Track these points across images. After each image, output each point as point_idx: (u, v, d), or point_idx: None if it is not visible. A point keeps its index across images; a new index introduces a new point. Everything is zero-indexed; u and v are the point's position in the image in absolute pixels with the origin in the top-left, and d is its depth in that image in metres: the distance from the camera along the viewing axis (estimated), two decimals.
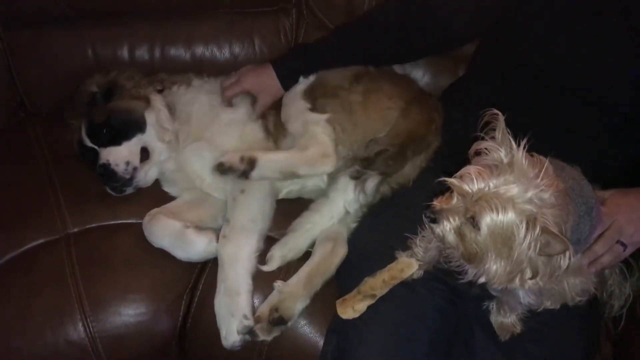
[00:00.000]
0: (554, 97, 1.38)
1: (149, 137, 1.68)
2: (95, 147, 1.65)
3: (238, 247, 1.49)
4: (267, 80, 1.69)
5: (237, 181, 1.54)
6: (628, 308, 1.45)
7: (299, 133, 1.60)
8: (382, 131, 1.56)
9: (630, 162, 1.41)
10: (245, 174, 1.49)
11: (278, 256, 1.52)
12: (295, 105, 1.65)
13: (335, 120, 1.57)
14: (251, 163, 1.49)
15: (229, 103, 1.72)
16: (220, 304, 1.46)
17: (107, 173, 1.61)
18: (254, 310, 1.46)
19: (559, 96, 1.37)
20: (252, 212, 1.53)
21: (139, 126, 1.67)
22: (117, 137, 1.64)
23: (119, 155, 1.62)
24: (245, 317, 1.43)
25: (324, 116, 1.58)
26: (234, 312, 1.43)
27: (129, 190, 1.67)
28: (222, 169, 1.50)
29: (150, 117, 1.69)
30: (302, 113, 1.62)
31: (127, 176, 1.62)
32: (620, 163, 1.41)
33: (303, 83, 1.68)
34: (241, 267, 1.47)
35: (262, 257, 1.52)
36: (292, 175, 1.54)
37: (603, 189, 1.31)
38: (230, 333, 1.42)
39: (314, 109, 1.61)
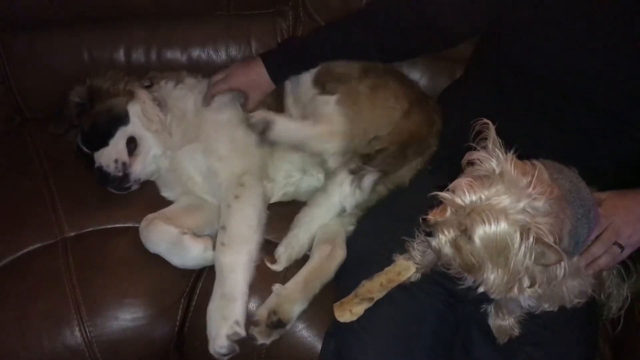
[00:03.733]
0: (550, 100, 1.38)
1: (134, 127, 1.67)
2: (91, 153, 1.65)
3: (237, 255, 1.47)
4: (256, 78, 1.66)
5: (231, 187, 1.56)
6: (626, 310, 1.45)
7: (310, 112, 1.63)
8: (383, 129, 1.57)
9: (627, 163, 1.41)
10: (262, 134, 1.54)
11: (284, 257, 1.52)
12: (307, 93, 1.67)
13: (344, 102, 1.58)
14: (268, 125, 1.53)
15: (210, 100, 1.69)
16: (214, 308, 1.44)
17: (102, 176, 1.61)
18: (248, 318, 1.44)
19: (555, 99, 1.37)
20: (249, 220, 1.52)
21: (121, 120, 1.67)
22: (104, 137, 1.64)
23: (108, 156, 1.62)
24: (237, 323, 1.40)
25: (334, 97, 1.60)
26: (226, 316, 1.41)
27: (134, 187, 1.68)
28: (247, 122, 1.57)
29: (134, 109, 1.69)
30: (313, 98, 1.64)
31: (120, 174, 1.62)
32: (617, 164, 1.41)
33: (309, 73, 1.68)
34: (240, 275, 1.46)
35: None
36: (301, 147, 1.56)
37: (600, 190, 1.31)
38: (219, 337, 1.39)
39: (323, 92, 1.62)
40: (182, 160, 1.67)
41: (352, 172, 1.53)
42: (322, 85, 1.64)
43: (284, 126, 1.55)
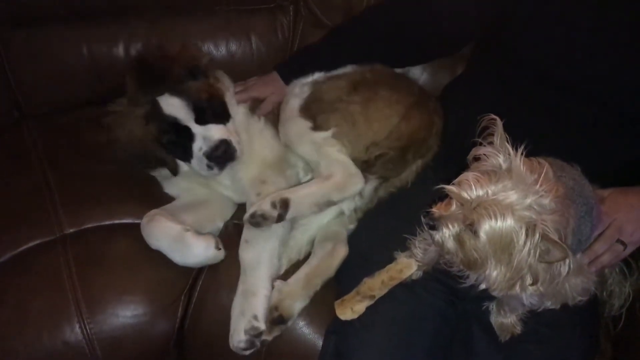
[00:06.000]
0: (553, 96, 1.37)
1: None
2: (189, 125, 1.56)
3: (259, 252, 1.47)
4: (273, 84, 1.69)
5: (254, 186, 1.55)
6: (628, 307, 1.45)
7: (314, 159, 1.55)
8: (382, 136, 1.54)
9: (629, 160, 1.41)
10: (280, 218, 1.44)
11: (283, 259, 1.52)
12: (296, 125, 1.58)
13: (341, 134, 1.53)
14: (284, 205, 1.44)
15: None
16: (235, 305, 1.45)
17: (230, 150, 1.56)
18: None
19: (558, 94, 1.36)
20: None
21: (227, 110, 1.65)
22: (220, 117, 1.60)
23: (227, 132, 1.58)
24: (255, 317, 1.41)
25: (329, 132, 1.53)
26: (245, 311, 1.42)
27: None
28: (255, 220, 1.44)
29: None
30: (305, 134, 1.56)
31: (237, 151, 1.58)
32: (619, 161, 1.41)
33: (298, 97, 1.62)
34: (262, 271, 1.46)
35: None
36: (328, 204, 1.49)
37: (602, 187, 1.31)
38: (237, 332, 1.40)
39: (316, 127, 1.55)
40: None
41: None
42: (313, 117, 1.57)
43: (301, 198, 1.46)
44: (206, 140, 1.54)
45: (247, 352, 1.41)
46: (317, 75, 1.66)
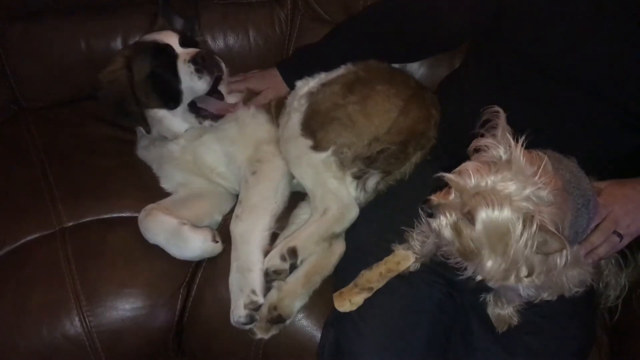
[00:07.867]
0: (551, 88, 1.38)
1: None
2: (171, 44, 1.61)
3: (250, 226, 1.50)
4: (272, 79, 1.71)
5: (249, 165, 1.58)
6: (624, 298, 1.46)
7: (310, 186, 1.55)
8: (383, 131, 1.54)
9: (626, 152, 1.41)
10: (293, 266, 1.47)
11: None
12: (296, 145, 1.57)
13: (341, 145, 1.53)
14: (293, 254, 1.46)
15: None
16: (232, 281, 1.47)
17: (214, 58, 1.60)
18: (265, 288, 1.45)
19: (556, 87, 1.37)
20: (264, 192, 1.54)
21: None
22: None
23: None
24: (253, 292, 1.43)
25: (329, 152, 1.53)
26: (243, 287, 1.43)
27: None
28: (269, 277, 1.45)
29: None
30: (304, 155, 1.55)
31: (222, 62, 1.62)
32: (616, 153, 1.41)
33: (298, 111, 1.61)
34: (253, 245, 1.48)
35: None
36: (333, 237, 1.50)
37: (599, 180, 1.31)
38: (238, 308, 1.42)
39: (316, 146, 1.54)
40: (200, 152, 1.66)
41: (356, 177, 1.53)
42: (313, 135, 1.56)
43: (305, 241, 1.47)
44: (190, 53, 1.57)
45: (247, 327, 1.43)
46: (312, 84, 1.65)
